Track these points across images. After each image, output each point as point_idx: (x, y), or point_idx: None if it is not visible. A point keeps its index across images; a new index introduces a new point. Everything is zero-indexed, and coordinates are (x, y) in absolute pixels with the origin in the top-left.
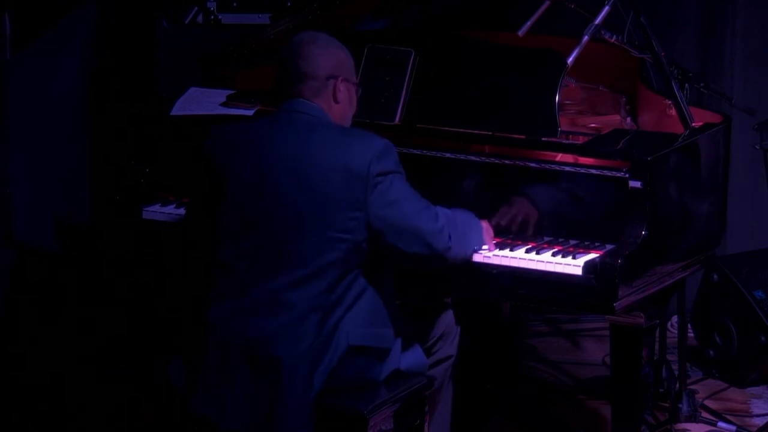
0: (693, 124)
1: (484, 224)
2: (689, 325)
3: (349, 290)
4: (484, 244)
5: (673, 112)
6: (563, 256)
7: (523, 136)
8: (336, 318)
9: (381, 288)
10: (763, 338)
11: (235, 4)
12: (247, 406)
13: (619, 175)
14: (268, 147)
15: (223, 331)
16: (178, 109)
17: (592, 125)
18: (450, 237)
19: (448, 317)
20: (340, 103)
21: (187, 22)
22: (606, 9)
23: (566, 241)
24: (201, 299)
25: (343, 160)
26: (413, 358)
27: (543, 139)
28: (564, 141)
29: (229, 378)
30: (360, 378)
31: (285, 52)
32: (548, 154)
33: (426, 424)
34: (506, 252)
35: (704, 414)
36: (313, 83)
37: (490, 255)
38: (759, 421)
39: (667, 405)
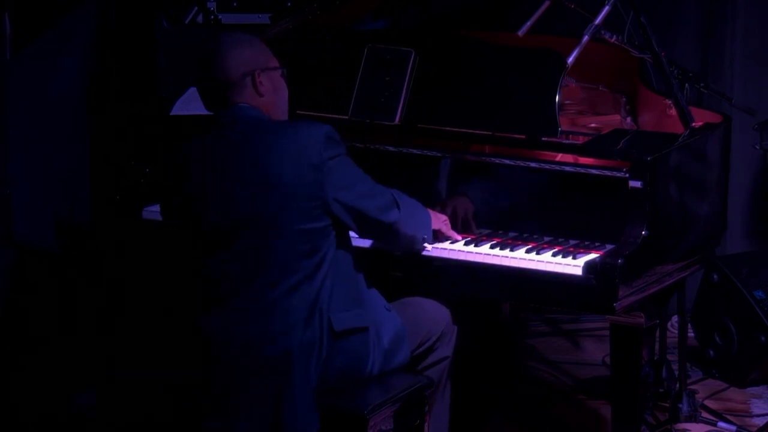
0: (693, 124)
1: (432, 214)
2: (689, 325)
3: (327, 278)
4: (431, 229)
5: (673, 112)
6: (563, 256)
7: (523, 136)
8: (320, 308)
9: (352, 269)
10: (763, 338)
11: (235, 4)
12: (253, 410)
13: (619, 175)
14: (221, 157)
15: (217, 339)
16: (178, 109)
17: (592, 125)
18: (393, 208)
19: (446, 317)
20: (264, 96)
21: (187, 22)
22: (606, 9)
23: (566, 241)
24: (193, 310)
25: (293, 151)
26: (391, 329)
27: (543, 139)
28: (564, 141)
29: (232, 384)
30: (352, 367)
31: (197, 70)
32: (548, 154)
33: (426, 424)
34: (506, 252)
35: (704, 414)
36: (234, 86)
37: (490, 254)
38: (759, 421)
39: (667, 405)
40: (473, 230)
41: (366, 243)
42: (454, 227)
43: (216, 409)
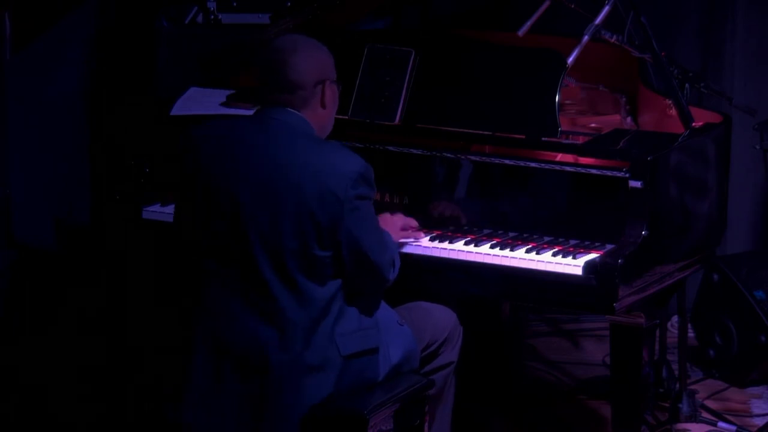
0: (693, 124)
1: (399, 220)
2: (689, 325)
3: (334, 302)
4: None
5: (674, 112)
6: (563, 256)
7: (523, 136)
8: (324, 329)
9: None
10: (763, 338)
11: (235, 4)
12: (236, 414)
13: (619, 175)
14: (251, 155)
15: (211, 339)
16: (178, 109)
17: (592, 125)
18: (393, 267)
19: (451, 321)
20: (326, 108)
21: (187, 22)
22: (606, 9)
23: (566, 241)
24: (189, 306)
25: (322, 174)
26: (403, 345)
27: (543, 139)
28: (564, 141)
29: (217, 386)
30: (359, 386)
31: (269, 58)
32: (548, 154)
33: (426, 424)
34: (506, 252)
35: (704, 414)
36: (303, 92)
37: (490, 254)
38: (759, 421)
39: (667, 405)
40: (473, 230)
41: None
42: (454, 227)
43: (198, 406)
